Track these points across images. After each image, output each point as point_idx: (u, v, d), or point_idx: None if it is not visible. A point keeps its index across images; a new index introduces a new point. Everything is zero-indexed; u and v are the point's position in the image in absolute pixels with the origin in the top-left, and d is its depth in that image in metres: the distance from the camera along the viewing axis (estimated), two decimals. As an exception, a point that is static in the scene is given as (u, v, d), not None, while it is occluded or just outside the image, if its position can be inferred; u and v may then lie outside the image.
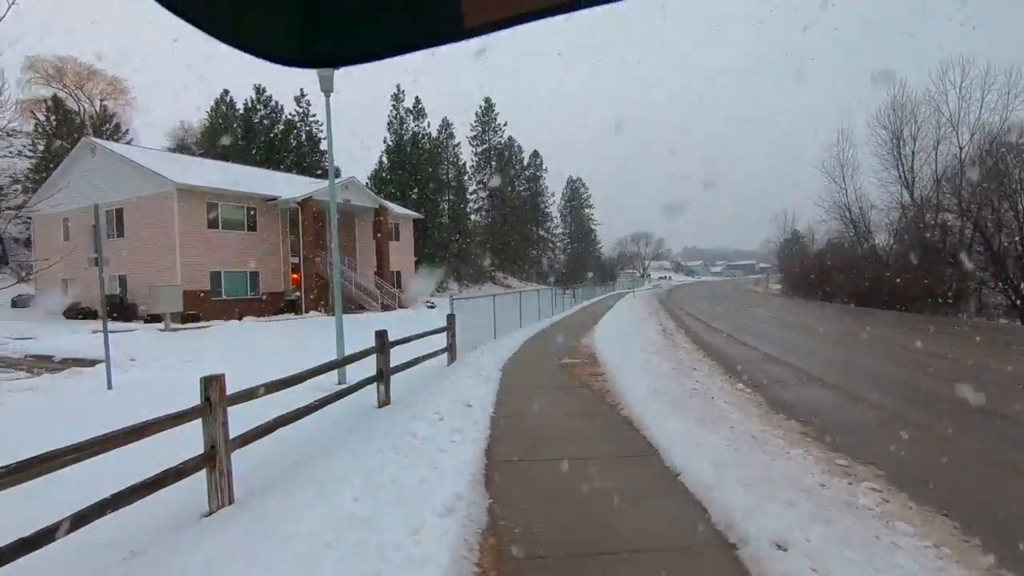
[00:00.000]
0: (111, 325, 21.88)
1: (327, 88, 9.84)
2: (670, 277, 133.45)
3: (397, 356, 8.29)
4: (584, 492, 4.17)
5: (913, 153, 36.85)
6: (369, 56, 0.59)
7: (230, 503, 4.15)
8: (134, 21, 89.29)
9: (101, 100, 52.11)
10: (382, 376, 7.32)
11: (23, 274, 32.76)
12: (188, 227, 23.30)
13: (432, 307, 32.91)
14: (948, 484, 4.49)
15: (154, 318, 21.31)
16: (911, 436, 5.76)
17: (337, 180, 31.39)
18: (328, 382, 8.80)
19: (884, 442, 5.63)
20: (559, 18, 0.56)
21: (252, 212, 26.05)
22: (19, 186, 38.21)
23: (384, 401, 7.32)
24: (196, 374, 10.60)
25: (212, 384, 4.15)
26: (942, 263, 29.73)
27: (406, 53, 0.59)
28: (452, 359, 10.57)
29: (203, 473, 4.13)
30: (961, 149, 33.11)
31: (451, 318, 10.78)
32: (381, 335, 7.36)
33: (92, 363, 12.12)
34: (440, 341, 10.49)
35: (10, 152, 42.47)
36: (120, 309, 24.04)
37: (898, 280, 32.51)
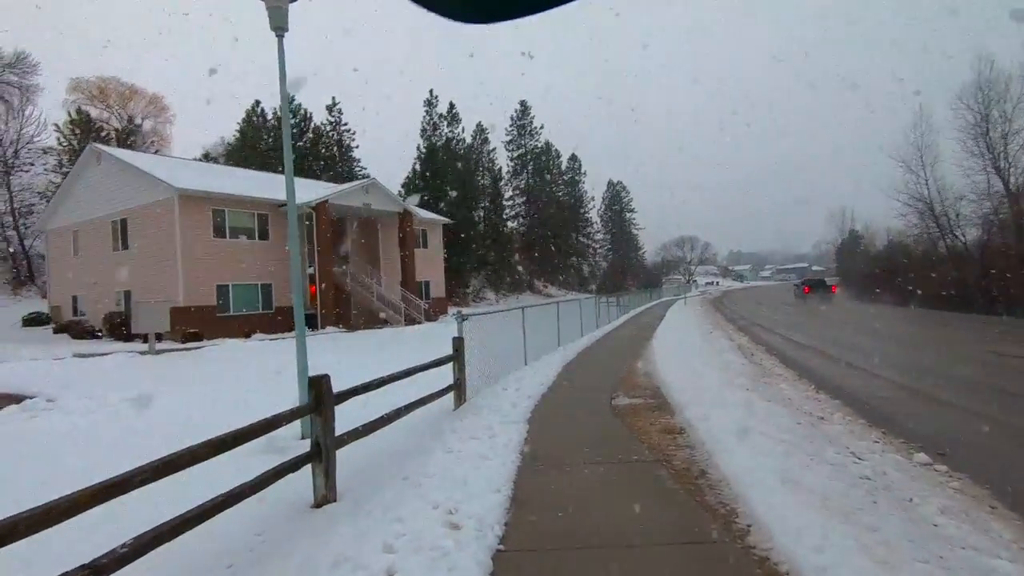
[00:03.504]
0: (88, 347, 19.96)
1: (278, 25, 7.07)
2: (718, 282, 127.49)
3: (376, 402, 5.38)
4: None
5: (1006, 137, 32.06)
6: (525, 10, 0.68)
7: None
8: (173, 42, 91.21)
9: (142, 118, 52.21)
10: (320, 454, 4.33)
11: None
12: (191, 236, 21.18)
13: (464, 319, 29.96)
14: None
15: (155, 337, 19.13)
16: None
17: (357, 182, 29.06)
18: (290, 435, 6.00)
19: None
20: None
21: (263, 219, 23.82)
22: (46, 202, 37.62)
23: (324, 498, 4.33)
24: (125, 422, 7.89)
25: None
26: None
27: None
28: (460, 401, 7.53)
29: None
30: (1067, 129, 28.42)
31: (459, 343, 7.74)
32: (316, 384, 4.36)
33: (20, 400, 9.65)
34: (443, 374, 7.48)
35: (45, 168, 42.50)
36: (123, 328, 22.12)
37: (994, 280, 27.90)
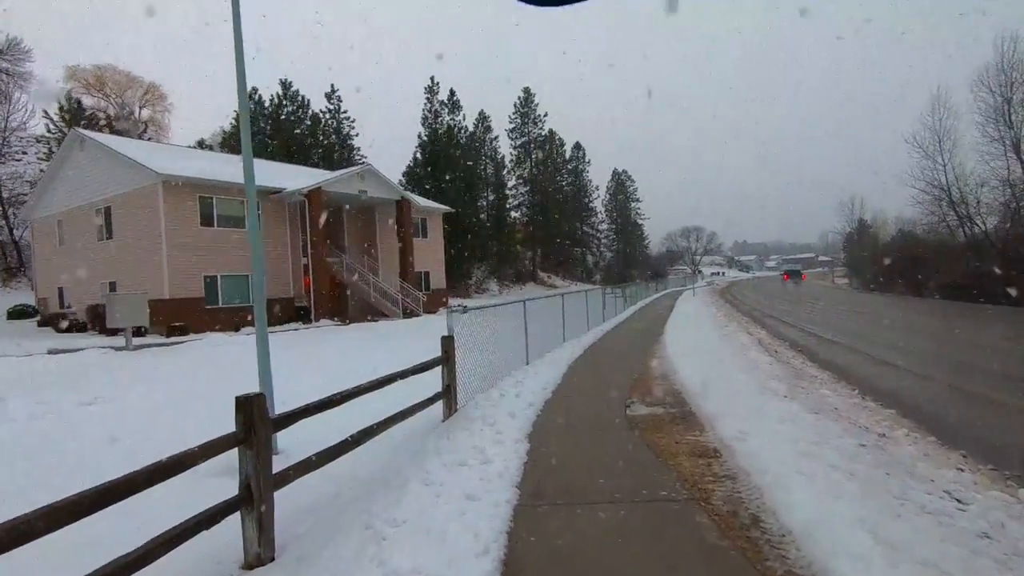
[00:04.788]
0: (67, 341, 18.98)
1: (231, -35, 5.93)
2: (723, 273, 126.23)
3: (352, 412, 4.35)
4: None
5: (1028, 119, 30.74)
6: None
7: None
8: (170, 31, 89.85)
9: (139, 107, 51.18)
10: (251, 500, 3.26)
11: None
12: (176, 225, 20.12)
13: (464, 311, 28.69)
14: None
15: (134, 331, 18.10)
16: None
17: (352, 168, 27.90)
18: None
19: None
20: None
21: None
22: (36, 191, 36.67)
23: (257, 557, 3.26)
24: (69, 432, 6.85)
25: None
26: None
27: None
28: (450, 410, 6.45)
29: None
30: (1095, 113, 27.12)
31: (448, 344, 6.64)
32: (245, 407, 3.29)
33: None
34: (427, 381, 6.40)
35: (38, 157, 41.53)
36: (105, 321, 21.15)
37: (1018, 270, 26.70)
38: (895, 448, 4.93)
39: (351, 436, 4.36)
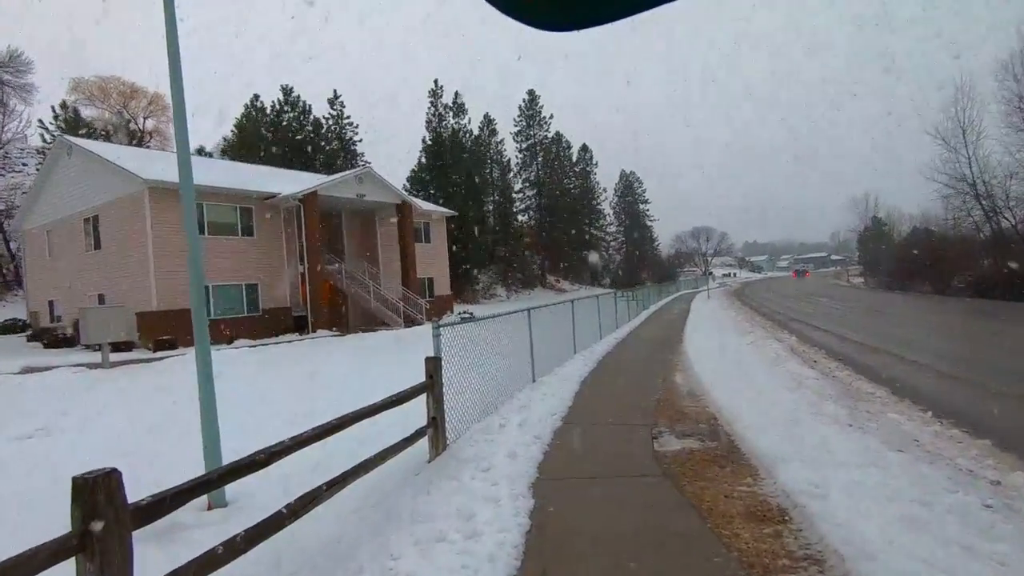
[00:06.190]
0: (49, 358, 18.01)
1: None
2: (735, 274, 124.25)
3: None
4: None
5: (1056, 109, 29.16)
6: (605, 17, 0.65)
7: None
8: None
9: (144, 117, 50.72)
10: (92, 640, 2.07)
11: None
12: (165, 233, 19.08)
13: (469, 317, 27.24)
14: None
15: (120, 346, 17.07)
16: None
17: (350, 171, 26.86)
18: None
19: None
20: None
21: (247, 214, 21.69)
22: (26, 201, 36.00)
23: None
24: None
25: None
26: None
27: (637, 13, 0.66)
28: (437, 448, 5.23)
29: None
30: None
31: (434, 366, 5.43)
32: (86, 495, 2.10)
33: None
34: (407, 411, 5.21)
35: (37, 168, 41.01)
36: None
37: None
38: (1022, 503, 3.66)
39: (285, 507, 3.17)
